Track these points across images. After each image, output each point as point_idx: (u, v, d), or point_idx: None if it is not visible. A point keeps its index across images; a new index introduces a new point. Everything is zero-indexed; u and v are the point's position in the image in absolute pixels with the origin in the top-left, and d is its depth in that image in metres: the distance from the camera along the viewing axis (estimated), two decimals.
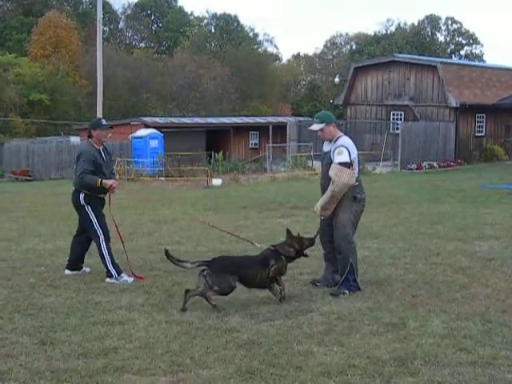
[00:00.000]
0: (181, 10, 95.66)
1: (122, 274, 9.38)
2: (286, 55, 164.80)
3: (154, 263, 10.52)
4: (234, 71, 70.59)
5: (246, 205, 18.89)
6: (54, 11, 69.87)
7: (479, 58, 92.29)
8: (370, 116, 43.47)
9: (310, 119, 40.06)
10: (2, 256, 11.41)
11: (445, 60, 50.55)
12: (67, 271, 9.83)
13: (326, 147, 8.81)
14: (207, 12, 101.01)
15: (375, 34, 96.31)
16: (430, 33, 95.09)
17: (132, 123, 42.87)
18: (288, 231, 8.53)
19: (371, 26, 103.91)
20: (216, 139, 46.24)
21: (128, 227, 13.72)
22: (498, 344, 6.51)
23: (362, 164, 25.23)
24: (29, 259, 11.07)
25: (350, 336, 6.82)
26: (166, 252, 8.23)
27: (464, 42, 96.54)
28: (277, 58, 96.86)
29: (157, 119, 46.63)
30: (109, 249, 9.44)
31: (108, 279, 9.32)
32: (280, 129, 43.93)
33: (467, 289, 8.65)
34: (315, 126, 8.79)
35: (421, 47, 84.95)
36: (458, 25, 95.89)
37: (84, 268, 9.97)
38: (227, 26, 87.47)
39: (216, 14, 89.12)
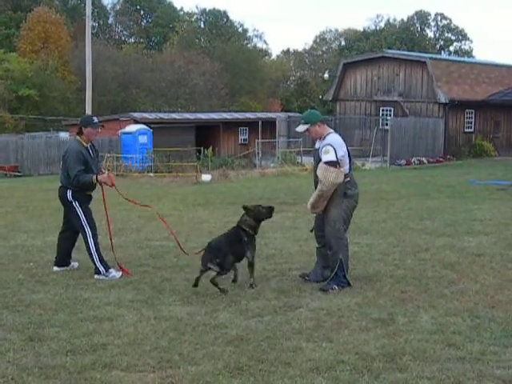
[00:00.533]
0: (170, 5, 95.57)
1: (110, 270, 9.35)
2: (275, 51, 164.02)
3: (142, 259, 10.51)
4: (224, 67, 70.48)
5: (235, 200, 18.84)
6: (42, 6, 69.67)
7: (468, 54, 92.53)
8: (359, 112, 43.54)
9: (300, 115, 40.07)
10: None
11: (434, 56, 50.64)
12: (55, 268, 9.79)
13: (317, 144, 8.82)
14: (196, 7, 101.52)
15: (365, 29, 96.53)
16: (419, 29, 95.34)
17: (121, 119, 42.69)
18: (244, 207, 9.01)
19: (361, 21, 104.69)
20: (205, 135, 46.12)
21: (117, 223, 13.67)
22: (487, 340, 6.52)
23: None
24: (17, 255, 11.02)
25: (339, 332, 6.82)
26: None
27: (453, 37, 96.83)
28: (266, 53, 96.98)
29: (146, 115, 46.45)
30: (96, 245, 9.41)
31: (96, 276, 9.29)
32: (269, 124, 43.92)
33: (456, 284, 8.67)
34: (300, 128, 8.84)
35: (410, 43, 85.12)
36: (448, 21, 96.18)
37: (72, 263, 9.93)
38: (217, 21, 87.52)
39: (205, 9, 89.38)
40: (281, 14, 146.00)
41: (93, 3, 38.84)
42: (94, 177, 9.27)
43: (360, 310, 7.54)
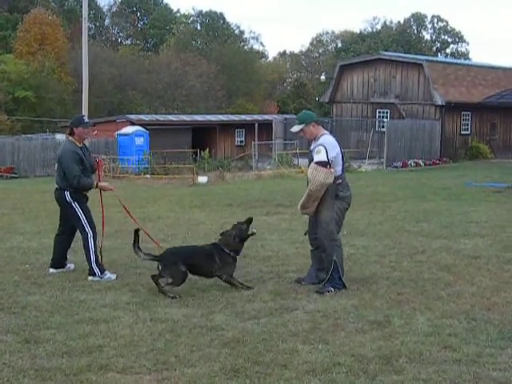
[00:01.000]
0: (167, 7, 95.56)
1: (106, 272, 9.35)
2: (272, 53, 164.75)
3: (139, 261, 10.45)
4: (220, 69, 70.52)
5: (231, 202, 18.86)
6: (39, 8, 69.49)
7: (465, 56, 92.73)
8: (355, 114, 43.51)
9: (296, 117, 40.07)
10: None
11: (431, 58, 50.62)
12: (51, 269, 9.77)
13: (312, 145, 8.84)
14: (193, 9, 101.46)
15: (361, 31, 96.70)
16: (415, 31, 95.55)
17: (117, 120, 42.72)
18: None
19: (357, 23, 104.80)
20: (202, 137, 46.12)
21: (113, 225, 13.66)
22: (483, 342, 6.53)
23: (347, 162, 25.29)
24: (13, 257, 11.00)
25: (335, 334, 6.82)
26: (136, 232, 8.72)
27: (450, 40, 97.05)
28: (263, 55, 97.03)
29: (142, 116, 46.45)
30: (95, 247, 9.41)
31: (90, 277, 9.27)
32: (266, 126, 43.88)
33: (452, 287, 8.67)
34: (295, 128, 8.87)
35: (407, 45, 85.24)
36: (444, 23, 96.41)
37: (68, 265, 9.92)
38: (213, 23, 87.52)
39: (202, 11, 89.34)
40: (277, 15, 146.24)
41: (89, 5, 38.79)
42: (95, 183, 9.29)
43: (356, 312, 7.54)
